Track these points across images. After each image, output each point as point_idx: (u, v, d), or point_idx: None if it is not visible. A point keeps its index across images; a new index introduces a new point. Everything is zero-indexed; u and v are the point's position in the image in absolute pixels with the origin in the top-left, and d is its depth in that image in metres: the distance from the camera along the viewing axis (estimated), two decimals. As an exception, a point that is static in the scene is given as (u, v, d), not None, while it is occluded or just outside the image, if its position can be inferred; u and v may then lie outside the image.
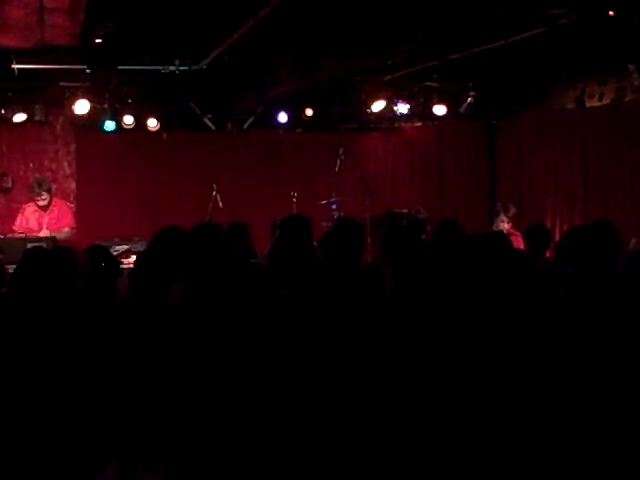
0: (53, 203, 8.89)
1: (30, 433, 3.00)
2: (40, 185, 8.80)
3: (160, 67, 8.76)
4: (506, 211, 8.38)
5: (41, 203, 8.73)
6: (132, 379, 2.65)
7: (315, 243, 4.39)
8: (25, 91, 9.57)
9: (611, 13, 5.94)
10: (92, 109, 9.71)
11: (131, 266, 4.93)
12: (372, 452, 2.92)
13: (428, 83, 10.40)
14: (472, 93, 10.57)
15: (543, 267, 5.27)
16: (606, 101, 9.37)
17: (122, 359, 3.30)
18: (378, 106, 10.51)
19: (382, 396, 3.06)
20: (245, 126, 11.08)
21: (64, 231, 8.70)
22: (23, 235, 8.20)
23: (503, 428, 2.89)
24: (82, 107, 9.60)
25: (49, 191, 8.80)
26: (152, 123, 10.32)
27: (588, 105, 9.71)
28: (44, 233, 8.33)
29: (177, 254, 4.57)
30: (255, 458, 2.82)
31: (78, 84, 9.36)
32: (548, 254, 6.29)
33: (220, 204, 9.95)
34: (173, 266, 4.28)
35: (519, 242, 7.33)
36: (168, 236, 4.93)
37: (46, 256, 4.98)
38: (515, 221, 8.49)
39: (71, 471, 2.87)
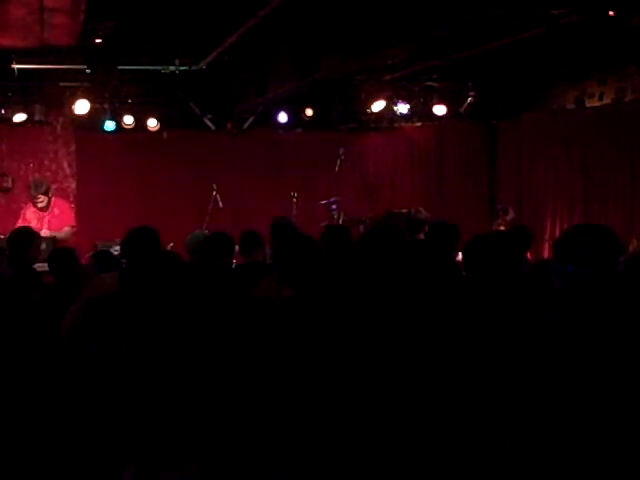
0: (53, 203, 8.88)
1: (43, 439, 2.99)
2: (37, 187, 8.79)
3: (160, 67, 8.76)
4: (504, 214, 8.40)
5: (39, 205, 8.74)
6: (138, 376, 2.65)
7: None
8: (25, 91, 9.56)
9: (611, 13, 5.94)
10: (92, 109, 9.70)
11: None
12: (373, 451, 2.92)
13: (428, 83, 10.40)
14: (472, 93, 10.57)
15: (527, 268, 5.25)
16: (606, 101, 9.38)
17: (119, 353, 3.30)
18: (378, 106, 10.51)
19: (382, 396, 3.06)
20: (245, 126, 11.07)
21: (65, 230, 8.71)
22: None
23: (500, 428, 2.89)
24: (82, 107, 9.59)
25: (46, 193, 8.79)
26: (152, 123, 10.32)
27: (588, 105, 9.71)
28: (44, 233, 8.32)
29: (148, 252, 4.57)
30: (258, 456, 2.82)
31: (78, 84, 9.36)
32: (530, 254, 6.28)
33: (220, 204, 9.95)
34: (151, 263, 4.29)
35: None
36: (135, 236, 4.88)
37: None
38: (515, 223, 8.46)
39: (87, 476, 2.86)
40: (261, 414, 2.91)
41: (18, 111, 9.70)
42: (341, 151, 10.39)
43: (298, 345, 3.20)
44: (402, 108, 10.66)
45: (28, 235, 6.42)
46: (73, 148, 10.61)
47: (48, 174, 10.27)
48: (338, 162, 10.34)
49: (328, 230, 5.96)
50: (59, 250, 6.10)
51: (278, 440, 2.86)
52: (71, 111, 9.77)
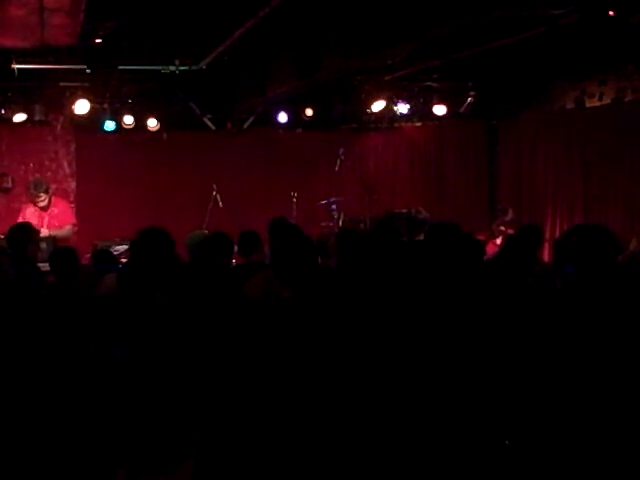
0: (53, 202, 8.89)
1: (33, 443, 2.98)
2: (36, 187, 8.80)
3: (160, 67, 8.75)
4: (503, 214, 8.46)
5: (40, 204, 8.74)
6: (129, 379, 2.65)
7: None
8: (25, 91, 9.56)
9: (611, 13, 5.94)
10: (92, 109, 9.70)
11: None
12: (373, 453, 2.92)
13: (428, 83, 10.40)
14: (472, 93, 10.58)
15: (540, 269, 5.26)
16: (606, 101, 9.37)
17: (113, 356, 3.30)
18: (378, 106, 10.51)
19: (382, 397, 3.06)
20: (245, 126, 11.08)
21: (66, 228, 8.72)
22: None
23: (500, 427, 2.89)
24: (82, 107, 9.60)
25: (47, 192, 8.80)
26: (152, 123, 10.32)
27: (588, 105, 9.71)
28: (44, 232, 8.32)
29: (160, 254, 4.59)
30: (258, 460, 2.82)
31: (78, 84, 9.36)
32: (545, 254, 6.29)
33: (220, 204, 9.95)
34: (159, 266, 4.30)
35: None
36: (150, 237, 4.92)
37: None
38: (514, 224, 8.49)
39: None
40: (258, 417, 2.91)
41: (18, 111, 9.70)
42: (341, 151, 10.38)
43: (298, 345, 3.20)
44: (402, 108, 10.66)
45: (27, 231, 6.42)
46: (73, 148, 10.62)
47: (48, 174, 10.28)
48: (338, 162, 10.34)
49: (343, 233, 6.00)
50: (60, 250, 6.10)
51: (276, 442, 2.86)
52: (71, 111, 9.77)
